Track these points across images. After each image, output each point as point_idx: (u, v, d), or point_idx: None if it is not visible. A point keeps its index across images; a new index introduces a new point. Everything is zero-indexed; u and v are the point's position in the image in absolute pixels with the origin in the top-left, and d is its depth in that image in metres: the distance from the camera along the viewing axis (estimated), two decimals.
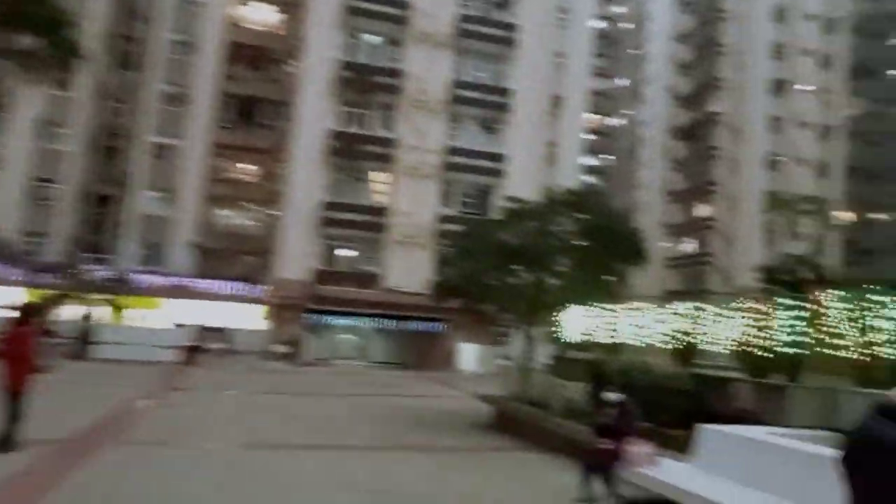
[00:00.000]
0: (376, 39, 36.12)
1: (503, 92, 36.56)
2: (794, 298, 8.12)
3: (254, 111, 40.51)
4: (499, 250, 13.67)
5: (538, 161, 37.82)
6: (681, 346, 10.42)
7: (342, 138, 33.76)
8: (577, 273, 13.56)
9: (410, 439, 11.78)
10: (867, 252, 43.99)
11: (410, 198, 34.16)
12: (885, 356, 7.42)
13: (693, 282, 46.14)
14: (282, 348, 31.30)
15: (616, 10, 76.45)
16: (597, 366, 11.32)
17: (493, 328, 29.74)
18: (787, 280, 16.38)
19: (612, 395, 7.66)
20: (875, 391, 7.63)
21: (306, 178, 33.49)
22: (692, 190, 51.68)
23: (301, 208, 33.27)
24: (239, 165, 40.48)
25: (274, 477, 8.15)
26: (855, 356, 7.70)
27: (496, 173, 35.39)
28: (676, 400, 9.26)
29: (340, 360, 32.79)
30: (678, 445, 8.45)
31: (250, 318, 35.24)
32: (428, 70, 35.21)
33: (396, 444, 11.18)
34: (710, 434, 7.45)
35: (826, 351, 7.88)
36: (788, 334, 8.12)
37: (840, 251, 43.72)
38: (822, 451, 6.43)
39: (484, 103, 36.40)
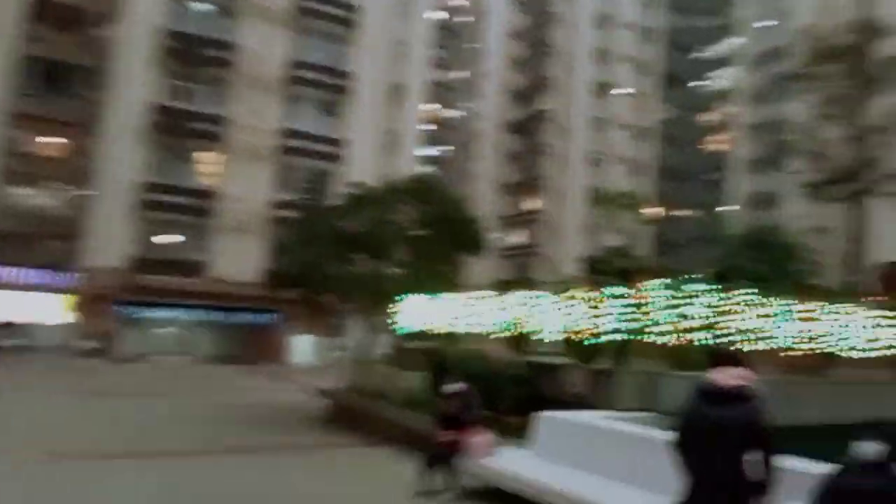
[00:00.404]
0: (207, 8, 33.69)
1: (344, 75, 35.74)
2: (619, 287, 8.54)
3: (61, 78, 36.13)
4: (338, 238, 13.21)
5: (378, 148, 37.52)
6: (515, 334, 10.67)
7: (166, 113, 31.11)
8: (417, 262, 13.47)
9: (242, 440, 11.03)
10: (674, 244, 48.81)
11: (243, 181, 32.32)
12: (699, 341, 8.02)
13: (522, 271, 48.44)
14: (91, 344, 28.32)
15: (456, 2, 78.09)
16: (436, 355, 11.29)
17: (331, 319, 29.09)
18: (608, 270, 17.41)
19: (452, 386, 7.58)
20: (689, 373, 8.26)
21: (123, 155, 30.48)
22: (523, 183, 54.15)
23: (116, 189, 30.25)
24: (43, 139, 35.97)
25: (83, 490, 7.16)
26: (673, 341, 8.27)
27: (335, 158, 34.57)
28: (513, 387, 9.46)
29: (161, 355, 30.27)
30: (516, 432, 8.59)
31: (55, 310, 31.51)
32: (265, 46, 33.47)
33: (226, 446, 10.39)
34: (545, 421, 7.62)
35: (648, 336, 8.38)
36: (615, 321, 8.52)
37: (651, 243, 48.07)
38: (648, 432, 6.78)
39: (324, 85, 35.34)
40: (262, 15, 33.59)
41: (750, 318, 8.16)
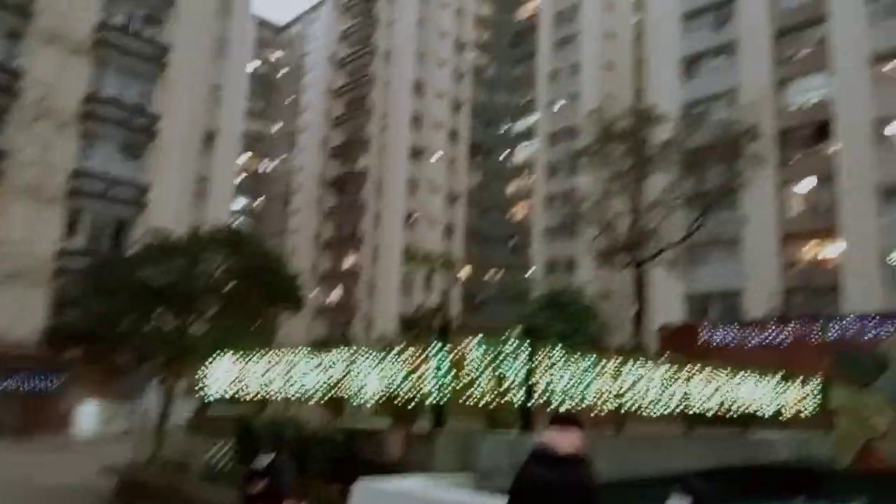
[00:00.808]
0: None
1: (150, 116, 33.40)
2: (439, 346, 8.57)
3: None
4: (137, 290, 12.00)
5: (187, 195, 35.33)
6: (332, 397, 10.27)
7: None
8: (227, 318, 12.61)
9: None
10: (481, 303, 51.17)
11: (24, 224, 28.43)
12: (515, 400, 8.25)
13: (339, 330, 47.70)
14: None
15: (276, 55, 77.54)
16: (244, 422, 10.50)
17: (125, 381, 26.12)
18: (424, 328, 17.63)
19: (263, 459, 7.01)
20: (506, 432, 8.44)
21: None
22: (341, 240, 53.96)
23: None
24: None
25: None
26: (490, 400, 8.43)
27: (137, 204, 31.84)
28: (329, 453, 9.02)
29: None
30: (333, 501, 8.15)
31: None
32: (57, 76, 30.30)
33: None
34: (360, 489, 7.31)
35: (465, 396, 8.46)
36: (433, 381, 8.50)
37: (461, 302, 49.92)
38: (465, 498, 6.75)
39: (127, 125, 32.63)
40: (56, 41, 30.54)
41: (560, 377, 8.59)
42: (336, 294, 52.50)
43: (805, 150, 35.66)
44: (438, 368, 8.38)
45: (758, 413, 12.51)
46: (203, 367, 12.31)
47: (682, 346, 18.75)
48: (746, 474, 11.29)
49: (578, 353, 8.97)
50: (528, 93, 59.23)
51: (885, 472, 12.36)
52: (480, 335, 8.96)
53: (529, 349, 8.29)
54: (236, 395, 11.80)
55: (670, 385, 10.40)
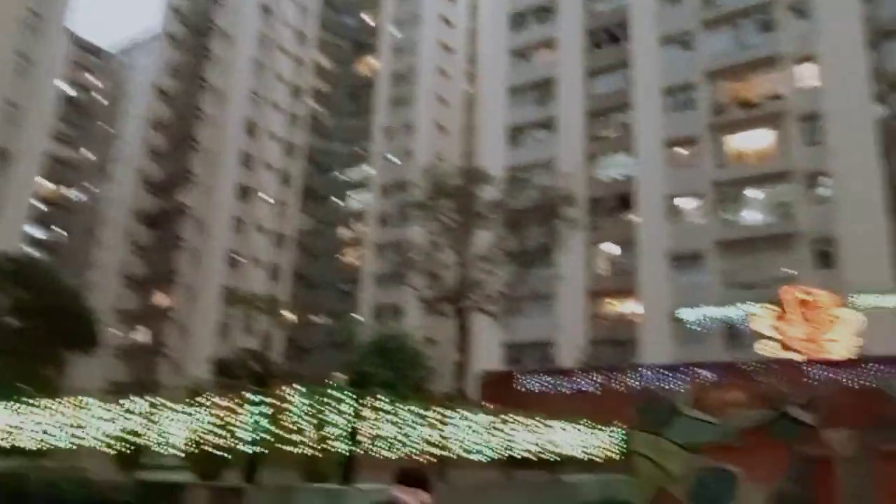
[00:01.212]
0: None
1: None
2: (256, 394, 7.98)
3: None
4: None
5: None
6: (128, 449, 9.12)
7: None
8: (7, 358, 10.87)
9: None
10: (306, 350, 49.45)
11: None
12: (336, 450, 7.82)
13: (144, 373, 43.49)
14: None
15: (95, 81, 71.66)
16: (16, 477, 8.96)
17: None
18: (241, 373, 16.61)
19: None
20: (325, 486, 7.94)
21: None
22: (152, 277, 49.88)
23: None
24: None
25: None
26: (309, 451, 7.92)
27: None
28: None
29: None
30: None
31: None
32: None
33: None
34: None
35: (285, 447, 7.89)
36: (250, 431, 7.85)
37: (285, 348, 47.91)
38: None
39: None
40: None
41: (385, 425, 8.32)
42: (145, 335, 48.01)
43: (611, 218, 39.27)
44: (254, 417, 7.76)
45: (570, 457, 13.06)
46: None
47: (500, 392, 19.34)
48: None
49: (404, 402, 8.78)
50: (363, 144, 59.80)
51: None
52: (303, 384, 8.49)
53: (355, 397, 7.96)
54: (10, 447, 10.10)
55: (492, 432, 10.53)
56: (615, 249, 38.96)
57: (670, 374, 18.33)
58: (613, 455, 14.70)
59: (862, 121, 31.92)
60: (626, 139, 39.30)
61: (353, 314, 53.21)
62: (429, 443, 9.04)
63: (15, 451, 10.16)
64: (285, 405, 8.10)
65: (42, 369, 11.13)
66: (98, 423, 9.24)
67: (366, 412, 8.08)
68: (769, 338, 22.92)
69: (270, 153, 54.63)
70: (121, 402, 9.16)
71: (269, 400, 7.96)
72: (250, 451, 7.73)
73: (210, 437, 8.38)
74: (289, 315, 48.30)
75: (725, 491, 13.69)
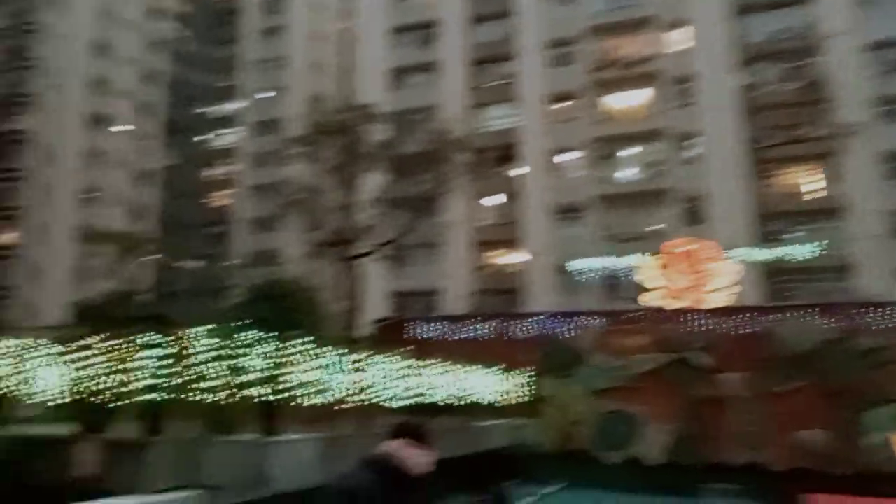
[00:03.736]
0: None
1: None
2: (155, 336, 6.84)
3: None
4: None
5: None
6: None
7: None
8: None
9: None
10: (173, 295, 46.13)
11: None
12: (257, 397, 6.91)
13: None
14: None
15: None
16: None
17: None
18: (109, 317, 14.84)
19: None
20: (238, 437, 7.03)
21: None
22: None
23: None
24: None
25: None
26: (224, 398, 6.95)
27: None
28: None
29: None
30: None
31: None
32: None
33: None
34: None
35: (192, 394, 6.87)
36: (149, 377, 6.74)
37: (151, 292, 44.39)
38: None
39: None
40: None
41: (308, 370, 7.48)
42: None
43: (495, 169, 39.42)
44: (153, 362, 6.64)
45: (479, 403, 12.87)
46: None
47: (393, 339, 18.85)
48: (470, 462, 11.44)
49: (326, 345, 7.96)
50: (232, 77, 55.77)
51: (581, 453, 13.65)
52: (210, 324, 7.45)
53: (277, 340, 7.03)
54: None
55: (407, 377, 9.99)
56: (500, 200, 39.28)
57: (562, 322, 18.70)
58: (521, 400, 14.74)
59: (728, 86, 33.89)
60: (509, 90, 39.26)
61: (224, 259, 50.40)
62: (356, 389, 8.33)
63: None
64: (188, 348, 7.04)
65: None
66: None
67: (287, 356, 7.18)
68: (655, 288, 24.00)
69: (125, 78, 49.33)
70: None
71: (168, 342, 6.85)
72: (151, 400, 6.62)
73: (93, 385, 7.16)
74: (155, 257, 44.70)
75: (628, 432, 14.29)
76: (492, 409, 13.87)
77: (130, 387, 6.92)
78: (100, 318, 13.89)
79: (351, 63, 54.49)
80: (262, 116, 51.76)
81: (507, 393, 14.65)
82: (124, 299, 19.50)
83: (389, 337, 19.37)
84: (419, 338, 20.28)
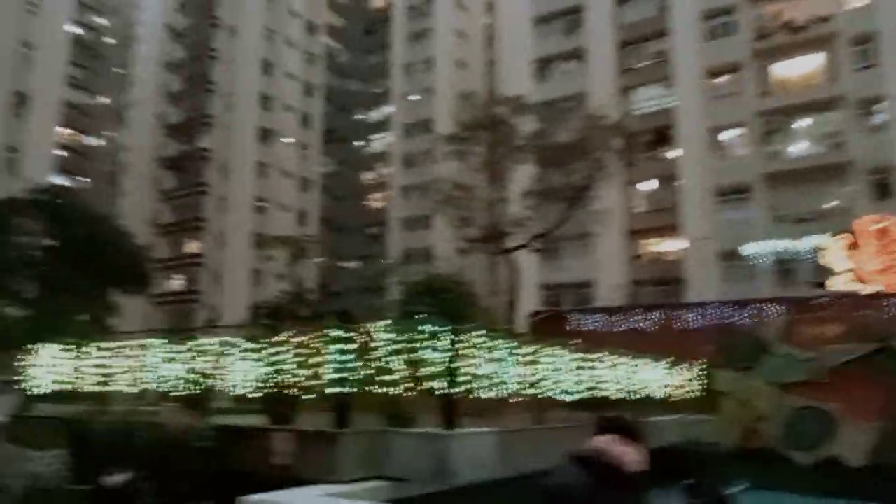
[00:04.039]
0: None
1: None
2: (342, 331, 7.11)
3: None
4: None
5: None
6: (197, 392, 8.40)
7: None
8: (49, 299, 10.12)
9: None
10: (336, 293, 48.99)
11: None
12: (436, 390, 7.01)
13: (181, 320, 43.38)
14: None
15: (100, 21, 69.62)
16: (80, 425, 8.30)
17: None
18: (286, 316, 15.85)
19: (115, 477, 5.12)
20: (418, 430, 7.16)
21: None
22: (181, 225, 49.36)
23: None
24: None
25: None
26: (403, 391, 7.12)
27: None
28: (196, 462, 7.20)
29: None
30: None
31: None
32: None
33: None
34: None
35: (376, 388, 7.09)
36: (335, 370, 7.03)
37: (316, 293, 47.45)
38: None
39: None
40: None
41: (483, 363, 7.47)
42: (177, 281, 47.70)
43: (648, 154, 37.71)
44: (342, 356, 6.92)
45: (651, 397, 12.28)
46: (21, 358, 9.76)
47: (552, 331, 18.54)
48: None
49: (499, 338, 7.91)
50: (382, 83, 58.02)
51: (765, 453, 12.60)
52: (390, 319, 7.66)
53: (455, 333, 7.07)
54: (69, 391, 9.44)
55: (579, 370, 9.70)
56: (653, 186, 37.55)
57: (736, 311, 17.39)
58: (694, 395, 13.91)
59: None
60: (661, 69, 37.32)
61: (381, 258, 52.65)
62: (522, 382, 8.21)
63: (76, 395, 9.51)
64: (372, 341, 7.27)
65: (93, 310, 10.37)
66: (165, 364, 8.49)
67: (464, 349, 7.21)
68: (843, 271, 21.66)
69: (289, 93, 52.95)
70: (189, 341, 8.38)
71: (353, 336, 7.10)
72: (338, 393, 6.91)
73: (287, 379, 7.61)
74: (320, 259, 47.69)
75: (822, 431, 12.97)
76: (663, 405, 13.19)
77: (319, 380, 7.28)
78: (281, 316, 14.85)
79: (495, 58, 54.72)
80: (411, 119, 53.41)
81: (679, 387, 13.86)
82: (298, 299, 20.77)
83: (548, 330, 19.09)
84: (581, 330, 19.84)
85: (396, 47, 55.66)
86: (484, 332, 7.61)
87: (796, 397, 12.75)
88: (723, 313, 17.24)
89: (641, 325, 19.73)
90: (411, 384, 7.05)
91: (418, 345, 7.07)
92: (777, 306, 20.30)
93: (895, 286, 18.75)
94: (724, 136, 34.67)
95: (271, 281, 44.68)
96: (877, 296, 18.22)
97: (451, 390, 6.92)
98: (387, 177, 54.73)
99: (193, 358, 8.35)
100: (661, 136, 37.07)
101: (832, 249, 22.72)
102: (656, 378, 12.75)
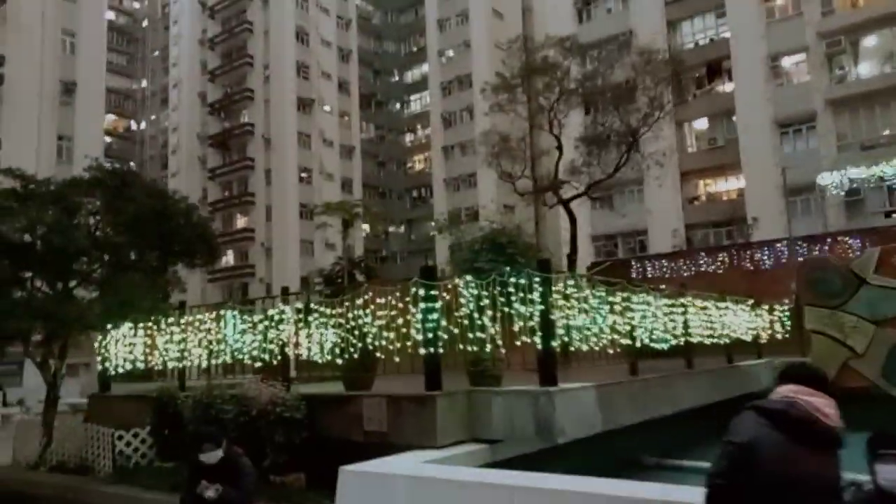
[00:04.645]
0: None
1: None
2: (426, 287, 6.67)
3: None
4: None
5: (46, 156, 30.64)
6: (277, 360, 8.14)
7: None
8: (118, 278, 9.99)
9: None
10: (384, 258, 49.07)
11: None
12: (535, 342, 6.55)
13: (236, 295, 44.15)
14: None
15: (134, 4, 69.93)
16: (164, 401, 8.18)
17: None
18: (345, 282, 15.57)
19: (212, 454, 4.82)
20: (513, 388, 6.74)
21: None
22: (228, 200, 49.87)
23: None
24: None
25: None
26: (494, 348, 6.69)
27: None
28: (286, 434, 6.96)
29: None
30: (300, 497, 6.21)
31: None
32: None
33: None
34: (351, 479, 5.40)
35: (467, 346, 6.68)
36: (425, 329, 6.61)
37: (366, 259, 47.57)
38: (488, 476, 5.03)
39: None
40: None
41: (577, 314, 6.98)
42: (229, 257, 48.38)
43: (701, 89, 36.02)
44: (430, 314, 6.50)
45: (741, 340, 11.65)
46: (95, 340, 9.71)
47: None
48: (737, 406, 10.37)
49: (591, 284, 7.38)
50: (418, 41, 56.85)
51: (865, 392, 11.87)
52: (469, 274, 7.21)
53: (543, 283, 6.56)
54: (145, 369, 9.36)
55: (669, 317, 9.12)
56: (707, 124, 35.91)
57: (808, 247, 16.33)
58: (782, 335, 13.18)
59: None
60: None
61: (427, 220, 52.32)
62: (616, 331, 7.69)
63: (154, 372, 9.44)
64: (457, 298, 6.84)
65: (155, 287, 10.22)
66: (238, 336, 8.26)
67: (557, 300, 6.71)
68: None
69: (325, 61, 52.30)
70: (268, 310, 8.10)
71: (440, 292, 6.67)
72: (429, 354, 6.52)
73: (370, 342, 7.27)
74: (366, 226, 47.60)
75: None
76: (750, 347, 12.53)
77: (402, 340, 6.92)
78: (336, 284, 14.55)
79: (533, 4, 52.85)
80: (449, 76, 52.32)
81: (766, 328, 13.14)
82: (357, 263, 20.53)
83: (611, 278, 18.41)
84: (647, 277, 19.11)
85: (429, 2, 54.28)
86: (574, 280, 7.09)
87: (895, 331, 11.90)
88: (794, 250, 16.26)
89: (710, 268, 18.88)
90: (502, 340, 6.62)
91: (510, 297, 6.61)
92: (852, 239, 19.20)
93: None
94: (783, 63, 32.74)
95: (321, 251, 44.95)
96: None
97: (548, 344, 6.45)
98: (428, 138, 54.02)
99: (269, 328, 8.08)
100: (714, 69, 35.29)
101: None
102: (743, 320, 12.07)
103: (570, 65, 22.58)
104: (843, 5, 31.32)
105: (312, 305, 7.58)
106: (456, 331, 6.71)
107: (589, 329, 7.14)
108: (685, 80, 35.01)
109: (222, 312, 8.55)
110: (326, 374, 9.21)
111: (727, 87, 34.60)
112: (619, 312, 7.74)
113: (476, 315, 6.71)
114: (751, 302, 12.62)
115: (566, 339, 6.87)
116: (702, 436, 7.87)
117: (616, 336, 7.66)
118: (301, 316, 7.71)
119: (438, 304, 6.51)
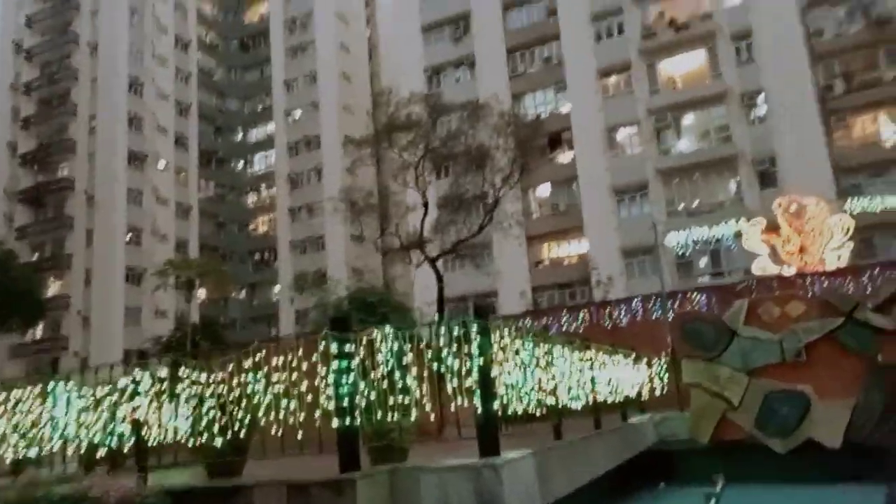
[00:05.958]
0: None
1: None
2: (343, 342, 5.41)
3: None
4: None
5: None
6: (128, 444, 6.31)
7: None
8: None
9: None
10: (224, 326, 45.32)
11: None
12: (464, 404, 5.47)
13: (46, 372, 38.09)
14: None
15: None
16: None
17: None
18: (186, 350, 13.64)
19: None
20: (466, 462, 5.59)
21: None
22: (39, 263, 43.82)
23: None
24: None
25: None
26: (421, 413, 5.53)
27: None
28: None
29: None
30: None
31: None
32: None
33: None
34: None
35: (388, 413, 5.45)
36: (339, 396, 5.32)
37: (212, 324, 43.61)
38: None
39: None
40: None
41: (511, 370, 6.03)
42: (37, 329, 41.83)
43: (543, 158, 37.85)
44: (342, 373, 5.24)
45: (629, 397, 11.36)
46: None
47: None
48: (626, 467, 9.94)
49: (526, 338, 6.52)
50: (263, 100, 55.19)
51: (743, 444, 12.01)
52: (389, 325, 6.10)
53: (482, 331, 5.57)
54: None
55: (581, 372, 8.50)
56: (548, 190, 37.66)
57: (660, 304, 17.03)
58: (660, 390, 13.16)
59: (790, 35, 31.80)
60: (553, 73, 37.70)
61: (271, 284, 49.49)
62: (543, 389, 6.86)
63: None
64: (374, 355, 5.66)
65: None
66: (76, 415, 6.34)
67: (494, 352, 5.72)
68: (786, 251, 21.92)
69: (161, 114, 48.81)
70: (117, 380, 6.29)
71: (354, 350, 5.45)
72: (344, 425, 5.23)
73: (255, 415, 5.83)
74: (203, 290, 43.70)
75: (797, 413, 12.55)
76: (635, 403, 12.33)
77: (312, 411, 5.57)
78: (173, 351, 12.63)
79: (380, 69, 53.49)
80: (296, 136, 51.06)
81: (645, 384, 13.06)
82: (200, 329, 18.35)
83: None
84: None
85: (276, 62, 53.14)
86: (506, 331, 6.18)
87: (766, 382, 12.25)
88: (647, 307, 16.93)
89: (572, 326, 19.08)
90: (434, 402, 5.51)
91: (443, 352, 5.54)
92: (702, 295, 20.39)
93: (813, 265, 19.33)
94: (618, 135, 35.33)
95: (150, 320, 40.56)
96: (799, 275, 18.59)
97: (488, 406, 5.42)
98: (272, 198, 51.81)
99: (117, 403, 6.29)
100: (556, 139, 37.28)
101: (751, 233, 23.21)
102: (629, 375, 11.85)
103: (434, 121, 22.51)
104: (666, 85, 34.66)
105: (182, 372, 5.96)
106: (378, 394, 5.50)
107: (520, 386, 6.23)
108: (529, 149, 36.56)
109: (50, 387, 6.58)
110: (181, 459, 7.53)
111: (567, 156, 36.63)
112: (544, 367, 6.93)
113: (396, 374, 5.56)
114: (633, 355, 12.50)
115: (505, 398, 5.89)
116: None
117: (542, 394, 6.82)
118: (164, 386, 6.05)
119: (356, 362, 5.28)
